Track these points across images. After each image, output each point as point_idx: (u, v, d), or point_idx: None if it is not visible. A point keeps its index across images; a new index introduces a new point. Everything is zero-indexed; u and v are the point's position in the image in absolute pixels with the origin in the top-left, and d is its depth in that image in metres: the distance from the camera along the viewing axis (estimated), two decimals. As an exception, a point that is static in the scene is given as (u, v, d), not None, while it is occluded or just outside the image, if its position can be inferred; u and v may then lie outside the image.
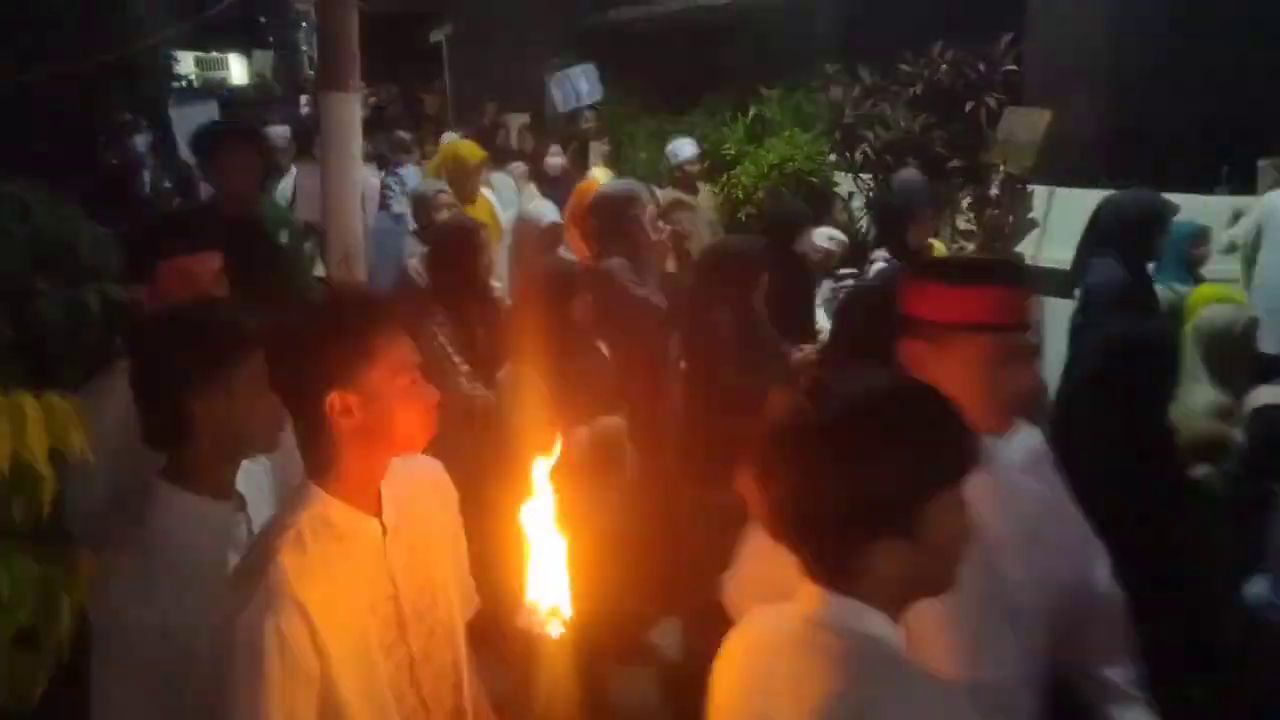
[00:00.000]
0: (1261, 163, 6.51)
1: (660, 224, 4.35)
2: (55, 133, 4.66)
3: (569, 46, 11.73)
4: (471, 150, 5.84)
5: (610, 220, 4.13)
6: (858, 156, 7.25)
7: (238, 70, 21.36)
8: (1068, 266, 4.42)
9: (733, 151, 8.06)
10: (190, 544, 1.71)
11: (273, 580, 1.45)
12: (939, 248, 4.73)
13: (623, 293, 3.87)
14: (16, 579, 1.27)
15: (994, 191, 6.45)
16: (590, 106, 8.63)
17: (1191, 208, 5.45)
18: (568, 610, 1.29)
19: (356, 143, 4.41)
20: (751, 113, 8.25)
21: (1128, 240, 4.00)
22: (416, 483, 1.71)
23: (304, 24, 18.58)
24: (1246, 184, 6.38)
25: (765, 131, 8.05)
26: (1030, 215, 6.73)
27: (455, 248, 3.80)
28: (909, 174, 5.13)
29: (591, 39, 11.33)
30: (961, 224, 6.64)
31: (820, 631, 1.24)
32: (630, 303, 3.87)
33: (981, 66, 6.90)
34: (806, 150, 7.52)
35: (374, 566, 1.58)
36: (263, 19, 20.70)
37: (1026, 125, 6.10)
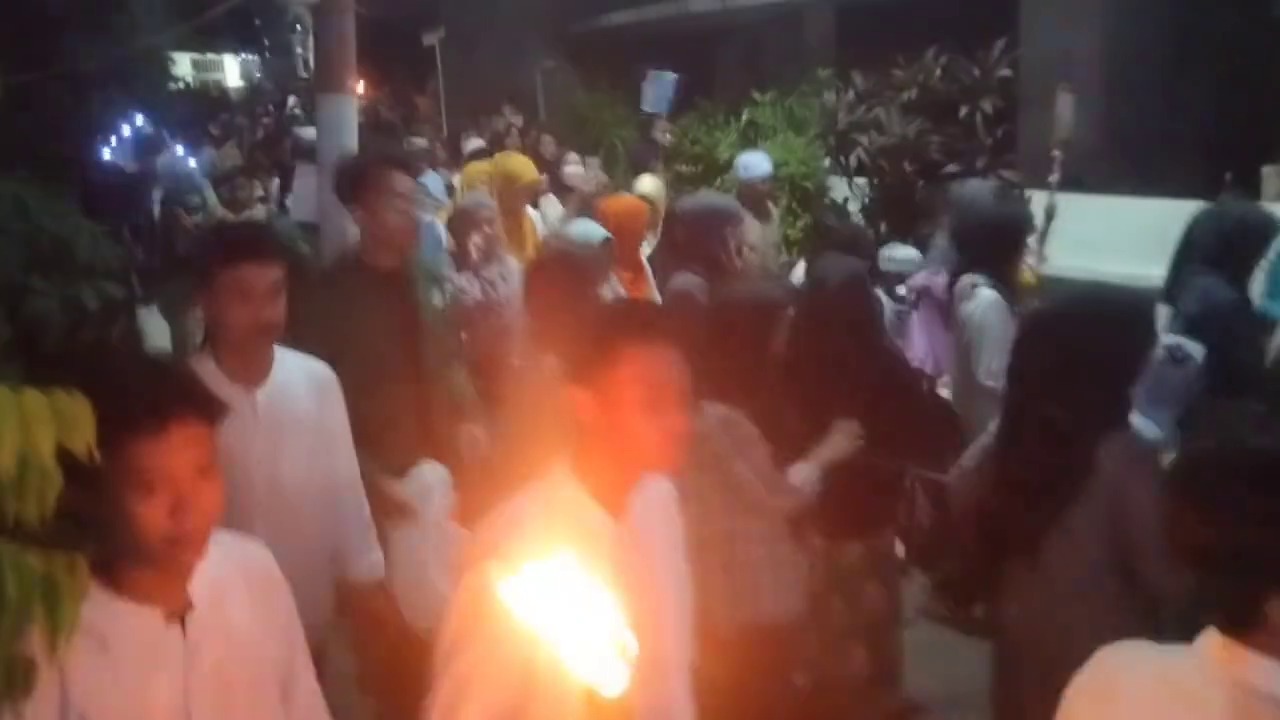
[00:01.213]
0: (1266, 169, 6.47)
1: (746, 249, 4.16)
2: (54, 133, 4.68)
3: (562, 51, 11.73)
4: (525, 167, 5.47)
5: (698, 234, 3.97)
6: (852, 161, 7.22)
7: (233, 71, 21.32)
8: (1072, 273, 4.35)
9: (726, 156, 8.01)
10: None
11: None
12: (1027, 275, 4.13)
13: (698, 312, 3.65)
14: (23, 578, 1.24)
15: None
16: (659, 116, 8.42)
17: (1185, 215, 5.41)
18: None
19: (352, 144, 4.44)
20: (745, 117, 8.21)
21: (1230, 257, 3.57)
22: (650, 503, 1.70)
23: (299, 27, 18.58)
24: (1250, 191, 6.35)
25: (759, 136, 8.00)
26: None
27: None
28: (980, 186, 4.91)
29: (585, 43, 11.32)
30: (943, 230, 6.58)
31: (1259, 703, 1.24)
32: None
33: (975, 72, 6.87)
34: (800, 155, 7.48)
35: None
36: (258, 21, 20.70)
37: None
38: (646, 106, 8.23)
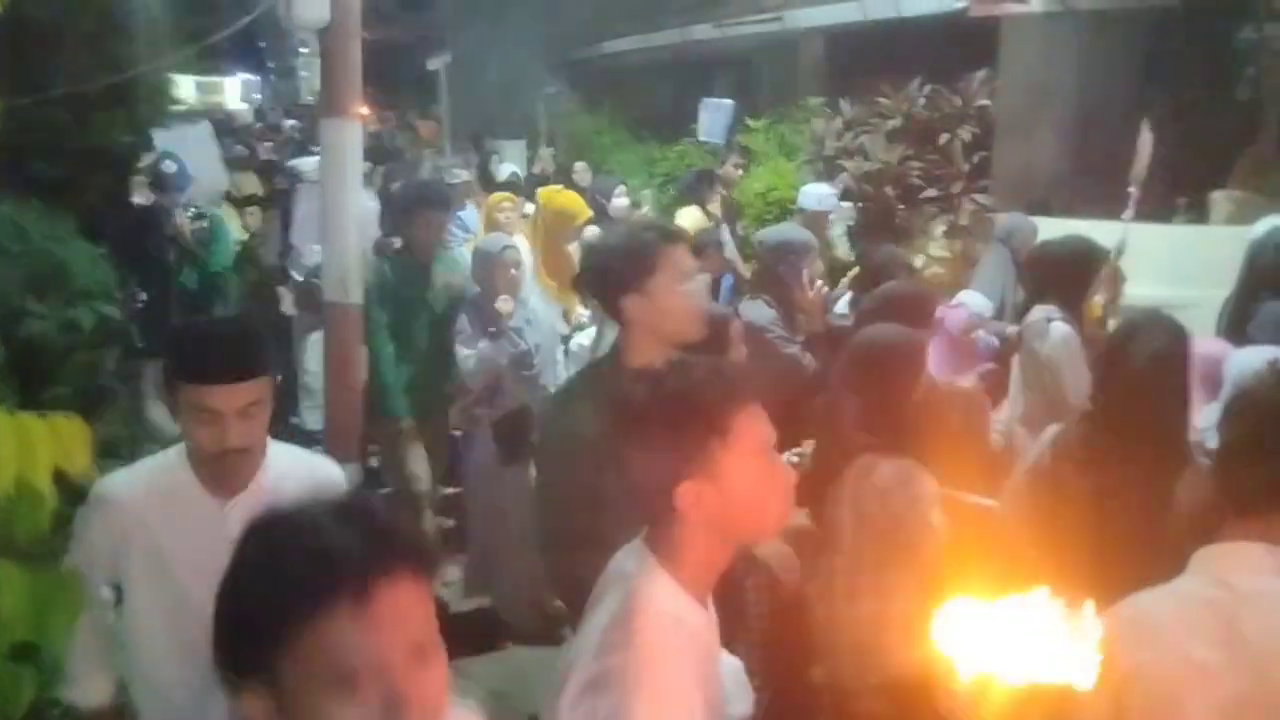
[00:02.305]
0: (1215, 194, 6.92)
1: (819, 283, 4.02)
2: (53, 155, 4.65)
3: (564, 76, 12.16)
4: (578, 204, 5.32)
5: (772, 264, 4.03)
6: (838, 186, 7.62)
7: (235, 93, 21.65)
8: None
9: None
10: None
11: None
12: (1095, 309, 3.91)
13: (771, 348, 3.73)
14: (17, 596, 1.25)
15: (964, 221, 6.81)
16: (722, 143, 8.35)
17: (1150, 237, 5.84)
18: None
19: (356, 168, 4.36)
20: (739, 143, 8.62)
21: None
22: None
23: (303, 49, 18.91)
24: (1200, 215, 6.78)
25: (751, 161, 8.42)
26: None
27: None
28: (1022, 221, 5.13)
29: (586, 69, 11.72)
30: (935, 250, 7.00)
31: None
32: (778, 360, 3.72)
33: (957, 101, 7.30)
34: (790, 179, 7.86)
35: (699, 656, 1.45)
36: (262, 44, 21.05)
37: None
38: (703, 135, 8.20)
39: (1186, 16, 6.95)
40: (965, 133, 7.17)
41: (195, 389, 1.79)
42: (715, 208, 6.47)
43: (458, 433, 4.49)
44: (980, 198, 7.14)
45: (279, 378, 2.29)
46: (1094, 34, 7.47)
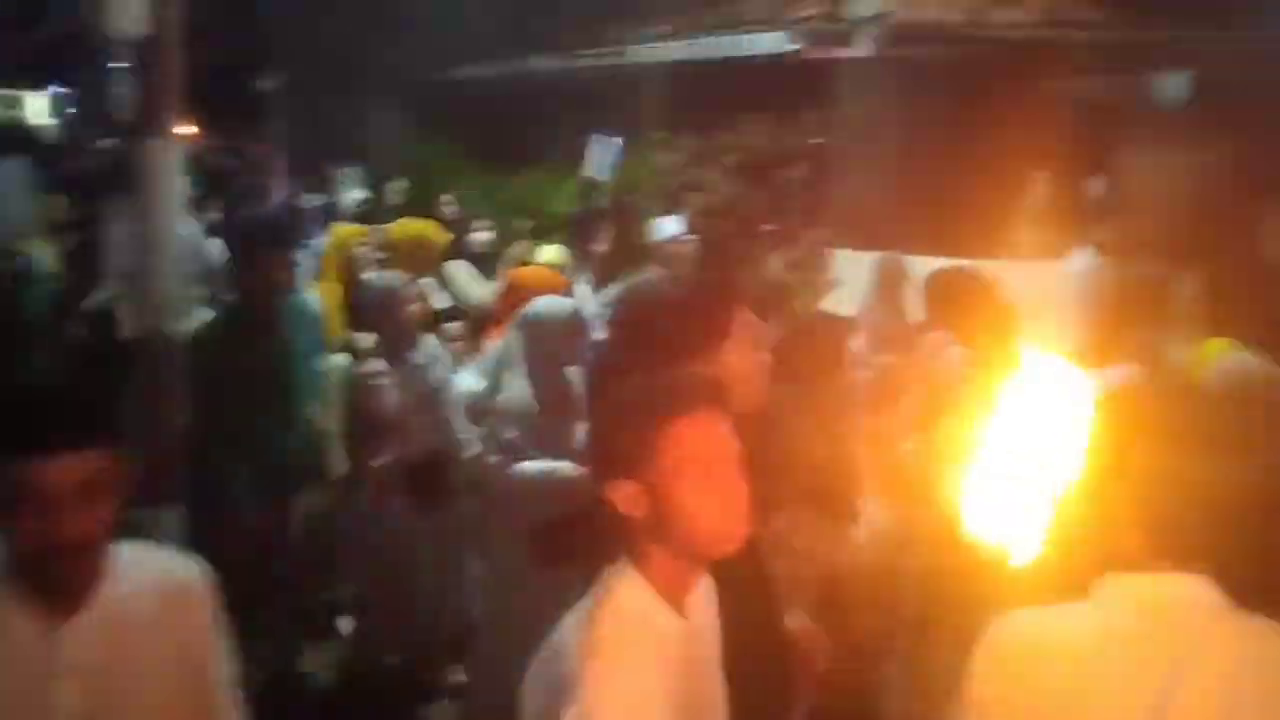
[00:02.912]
0: (1023, 233, 7.45)
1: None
2: None
3: (403, 103, 11.90)
4: (437, 232, 5.15)
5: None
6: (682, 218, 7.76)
7: (39, 109, 20.13)
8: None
9: (563, 211, 8.43)
10: None
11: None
12: None
13: None
14: None
15: (801, 255, 7.06)
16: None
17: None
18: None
19: (175, 191, 4.07)
20: (582, 174, 8.64)
21: None
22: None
23: (116, 63, 17.75)
24: (1013, 251, 7.29)
25: (595, 193, 8.45)
26: (829, 276, 7.42)
27: None
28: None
29: (427, 96, 11.50)
30: (775, 283, 7.21)
31: None
32: None
33: (793, 139, 7.59)
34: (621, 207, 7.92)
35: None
36: (71, 56, 19.68)
37: None
38: (590, 172, 7.95)
39: (995, 67, 7.49)
40: (801, 170, 7.45)
41: (13, 467, 1.39)
42: (602, 246, 6.17)
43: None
44: (816, 233, 7.42)
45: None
46: (914, 79, 7.94)
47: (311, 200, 7.84)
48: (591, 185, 8.39)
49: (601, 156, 7.73)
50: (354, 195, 8.35)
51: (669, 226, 5.96)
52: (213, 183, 8.95)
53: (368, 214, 7.35)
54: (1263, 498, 1.30)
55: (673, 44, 8.86)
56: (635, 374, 1.92)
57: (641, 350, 2.08)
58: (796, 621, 2.11)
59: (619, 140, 7.72)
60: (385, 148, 12.10)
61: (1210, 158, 8.12)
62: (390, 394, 3.75)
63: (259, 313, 3.80)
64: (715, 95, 8.27)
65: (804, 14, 7.87)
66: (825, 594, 2.49)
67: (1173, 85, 7.38)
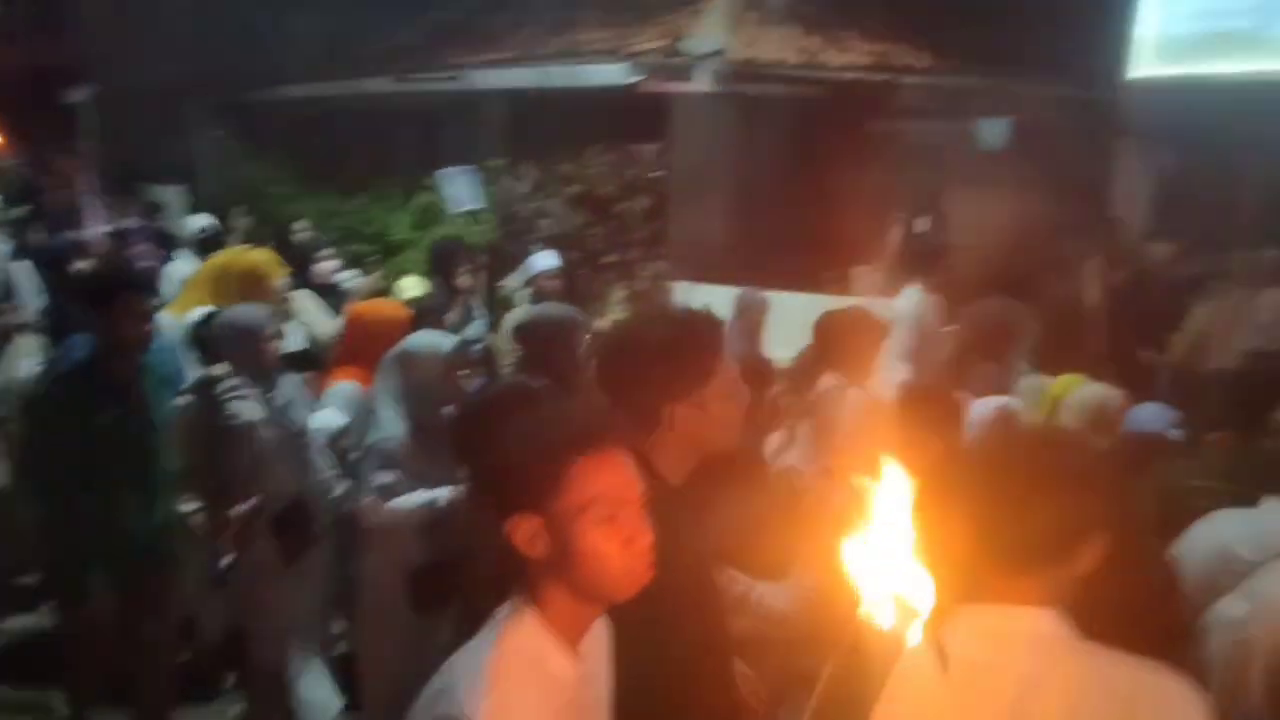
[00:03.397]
0: (855, 269, 7.65)
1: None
2: None
3: (230, 120, 11.27)
4: (270, 263, 4.74)
5: (538, 344, 3.77)
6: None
7: None
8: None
9: (400, 237, 8.13)
10: None
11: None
12: None
13: None
14: None
15: (641, 287, 7.02)
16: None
17: (797, 306, 6.28)
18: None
19: None
20: (420, 200, 8.37)
21: None
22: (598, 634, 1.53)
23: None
24: (844, 288, 7.47)
25: (433, 219, 8.19)
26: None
27: None
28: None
29: (255, 114, 10.96)
30: (615, 314, 7.13)
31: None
32: None
33: (633, 172, 7.56)
34: (475, 239, 7.72)
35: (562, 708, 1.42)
36: None
37: None
38: (454, 208, 7.45)
39: (829, 108, 7.70)
40: (641, 202, 7.42)
41: None
42: (466, 281, 5.89)
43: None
44: (656, 265, 7.40)
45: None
46: (752, 116, 8.07)
47: (131, 224, 7.17)
48: (435, 216, 8.15)
49: (460, 188, 7.30)
50: (195, 222, 7.24)
51: (543, 260, 5.74)
52: (17, 198, 8.21)
53: (212, 242, 6.65)
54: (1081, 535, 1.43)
55: (512, 71, 8.72)
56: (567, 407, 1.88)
57: (627, 387, 1.99)
58: (736, 667, 2.10)
59: (468, 168, 7.36)
60: (213, 168, 11.44)
61: (1027, 199, 8.60)
62: (252, 437, 3.48)
63: (115, 373, 3.41)
64: (555, 125, 8.17)
65: (644, 48, 7.88)
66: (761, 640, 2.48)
67: (994, 130, 7.76)
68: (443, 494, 3.18)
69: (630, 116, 7.97)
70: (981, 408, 3.41)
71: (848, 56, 7.63)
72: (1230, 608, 2.18)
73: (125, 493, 3.38)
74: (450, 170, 7.31)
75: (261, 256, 4.97)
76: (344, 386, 3.94)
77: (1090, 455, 1.57)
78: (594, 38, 8.50)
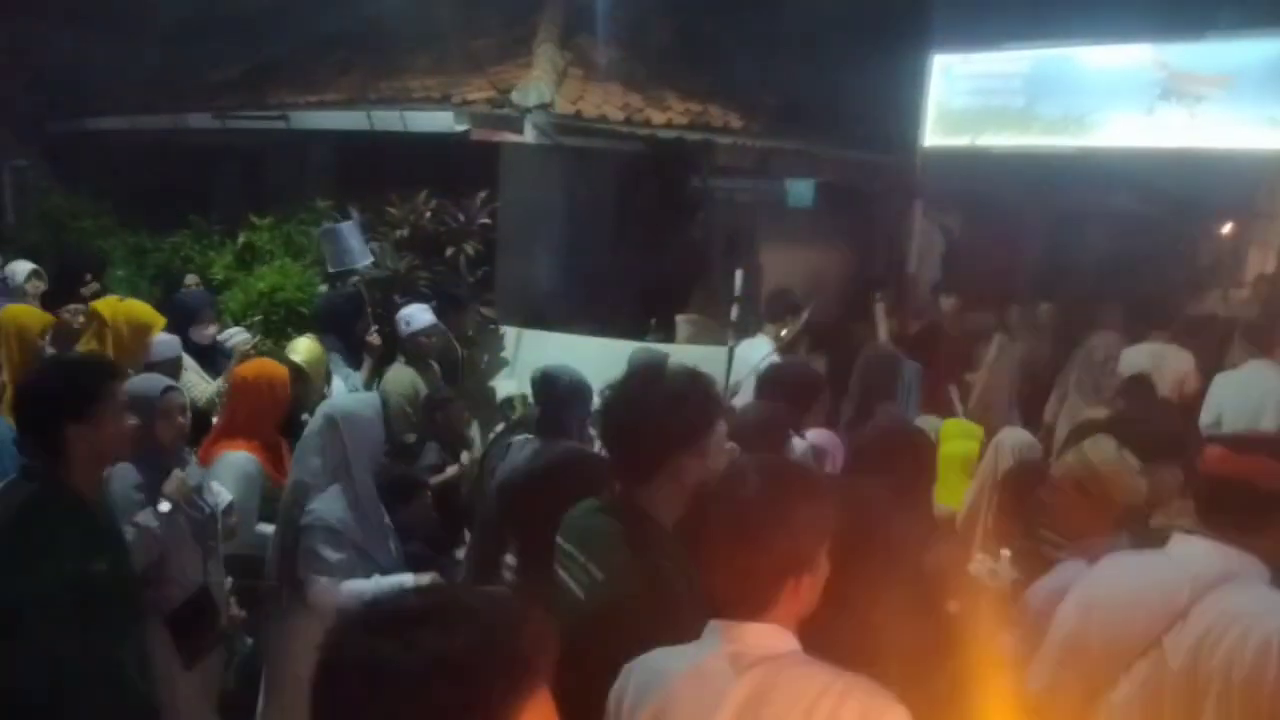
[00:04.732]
0: (679, 317, 7.99)
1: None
2: None
3: (37, 150, 10.67)
4: (151, 314, 4.41)
5: (559, 407, 3.75)
6: (349, 289, 7.54)
7: None
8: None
9: (221, 277, 7.91)
10: None
11: None
12: None
13: None
14: None
15: (470, 332, 7.09)
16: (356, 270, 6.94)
17: (623, 352, 6.53)
18: None
19: None
20: (241, 239, 8.18)
21: None
22: None
23: None
24: (668, 335, 7.78)
25: (255, 259, 8.02)
26: (503, 354, 7.53)
27: None
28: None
29: (65, 145, 10.44)
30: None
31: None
32: None
33: (461, 217, 7.65)
34: (297, 280, 7.61)
35: None
36: None
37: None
38: (336, 266, 6.90)
39: (650, 163, 8.07)
40: (470, 247, 7.51)
41: None
42: (372, 336, 5.73)
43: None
44: (485, 310, 7.50)
45: None
46: (577, 167, 8.35)
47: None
48: (257, 255, 7.96)
49: (347, 243, 6.90)
50: (22, 265, 6.23)
51: (422, 316, 5.59)
52: None
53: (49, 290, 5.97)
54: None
55: (339, 113, 8.70)
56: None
57: (632, 438, 2.13)
58: None
59: (348, 223, 7.13)
60: (17, 197, 10.78)
61: (832, 254, 9.24)
62: (154, 537, 2.92)
63: None
64: (383, 168, 8.20)
65: (473, 97, 8.04)
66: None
67: (802, 189, 8.33)
68: (411, 579, 3.09)
69: (458, 163, 8.08)
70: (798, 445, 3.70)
71: (667, 115, 8.04)
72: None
73: None
74: (334, 225, 7.08)
75: (140, 307, 4.59)
76: (236, 458, 3.67)
77: (810, 494, 1.74)
78: (423, 85, 8.60)
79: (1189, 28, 7.65)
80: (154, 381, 3.28)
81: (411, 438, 5.00)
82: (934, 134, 8.36)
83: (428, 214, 7.65)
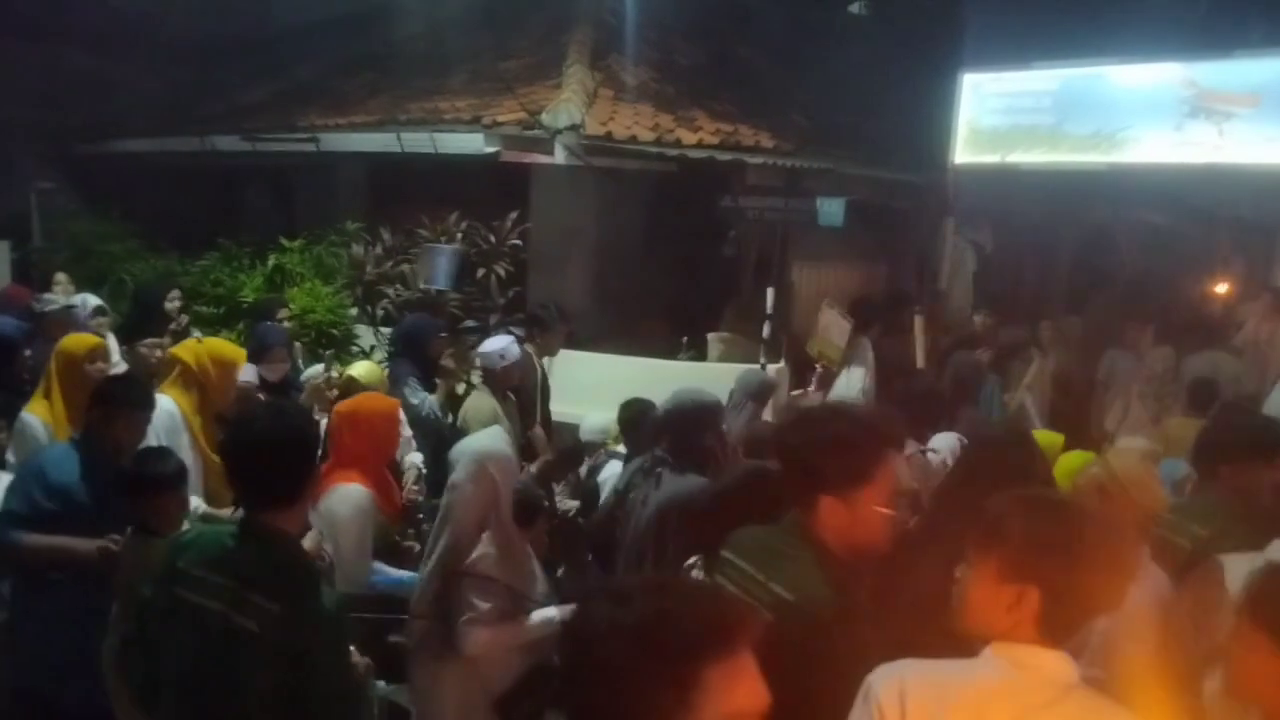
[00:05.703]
0: (711, 335, 7.97)
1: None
2: None
3: (64, 173, 10.73)
4: (234, 350, 4.42)
5: (688, 430, 3.68)
6: (379, 311, 7.55)
7: None
8: (568, 419, 4.96)
9: (250, 299, 7.91)
10: None
11: None
12: None
13: None
14: None
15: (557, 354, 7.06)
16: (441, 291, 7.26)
17: (656, 371, 6.52)
18: None
19: None
20: (272, 262, 8.19)
21: None
22: None
23: None
24: (699, 354, 7.76)
25: (286, 282, 8.02)
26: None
27: None
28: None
29: (92, 168, 10.48)
30: (475, 379, 7.16)
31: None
32: None
33: (491, 239, 7.66)
34: (328, 303, 7.61)
35: None
36: None
37: (841, 331, 6.50)
38: (429, 283, 7.25)
39: (681, 182, 8.07)
40: (500, 268, 7.52)
41: None
42: (447, 360, 5.65)
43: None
44: (516, 330, 7.48)
45: None
46: (608, 188, 8.36)
47: (50, 300, 6.38)
48: (288, 278, 7.96)
49: (439, 265, 7.24)
50: (89, 298, 6.23)
51: (514, 349, 5.47)
52: None
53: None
54: None
55: (370, 135, 8.72)
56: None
57: (789, 461, 2.11)
58: None
59: (455, 248, 7.36)
60: (44, 220, 10.82)
61: (861, 271, 9.21)
62: None
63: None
64: (414, 190, 8.22)
65: (504, 119, 8.07)
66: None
67: (832, 208, 8.31)
68: (556, 613, 3.14)
69: (489, 185, 8.11)
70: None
71: (698, 134, 8.04)
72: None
73: None
74: (435, 247, 7.35)
75: (222, 344, 4.57)
76: (349, 490, 3.62)
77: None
78: (453, 106, 8.63)
79: (1218, 46, 7.64)
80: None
81: None
82: (964, 152, 8.35)
83: (459, 235, 7.66)
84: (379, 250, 7.96)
